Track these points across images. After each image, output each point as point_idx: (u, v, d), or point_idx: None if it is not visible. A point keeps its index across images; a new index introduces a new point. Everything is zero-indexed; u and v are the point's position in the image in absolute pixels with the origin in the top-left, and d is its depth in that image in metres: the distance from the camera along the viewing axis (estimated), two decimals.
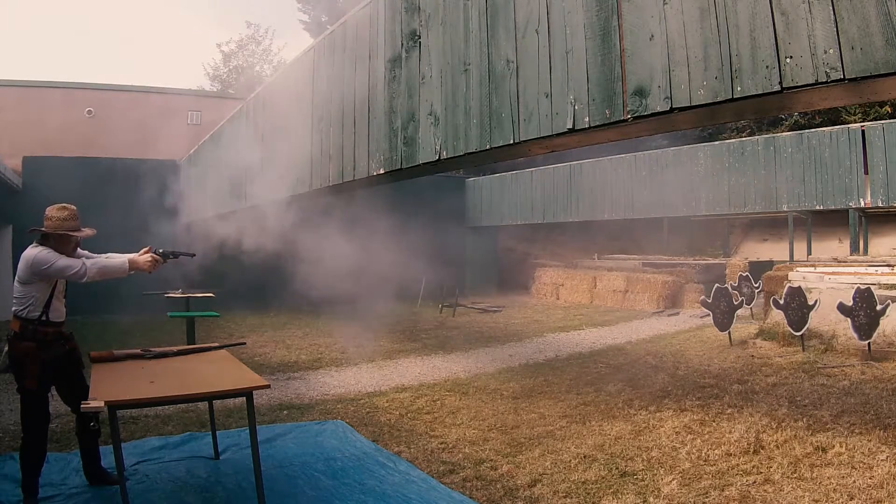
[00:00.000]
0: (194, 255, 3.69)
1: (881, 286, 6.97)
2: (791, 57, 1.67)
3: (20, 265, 2.92)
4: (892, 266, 8.47)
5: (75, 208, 3.07)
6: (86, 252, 3.26)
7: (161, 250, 3.32)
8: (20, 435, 2.94)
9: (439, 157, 3.07)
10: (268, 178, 5.82)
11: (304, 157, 4.85)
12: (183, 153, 10.99)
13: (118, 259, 3.16)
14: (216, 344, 3.82)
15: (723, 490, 3.14)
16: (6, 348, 2.93)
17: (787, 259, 14.58)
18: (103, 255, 3.30)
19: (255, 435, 2.73)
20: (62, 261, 2.89)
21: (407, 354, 7.43)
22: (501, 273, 15.88)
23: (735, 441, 3.85)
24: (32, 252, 2.89)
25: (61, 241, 2.99)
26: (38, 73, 33.81)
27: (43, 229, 2.97)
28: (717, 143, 10.31)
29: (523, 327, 9.83)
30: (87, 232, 3.09)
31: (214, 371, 3.06)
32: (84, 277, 2.92)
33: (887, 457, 3.49)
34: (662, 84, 1.97)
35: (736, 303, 7.70)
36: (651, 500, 3.07)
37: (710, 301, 7.85)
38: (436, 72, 3.07)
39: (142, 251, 3.27)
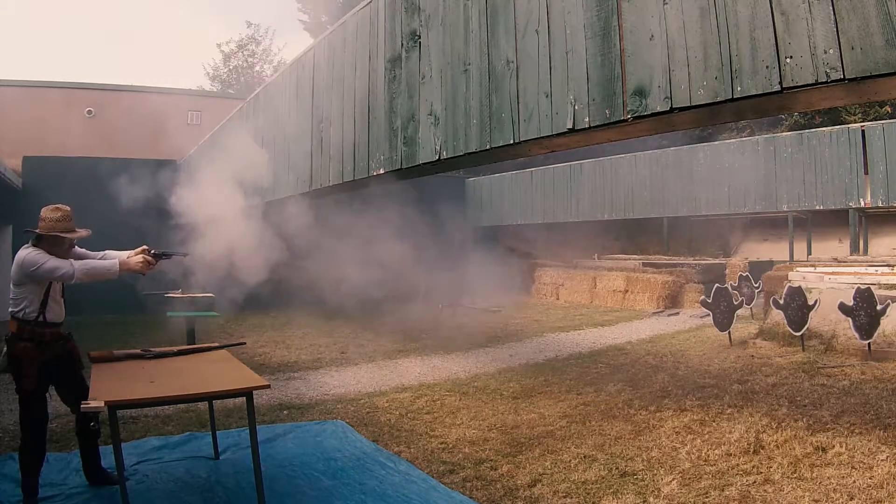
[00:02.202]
0: (187, 254, 3.65)
1: (881, 286, 6.98)
2: (791, 57, 1.67)
3: (13, 267, 2.92)
4: (892, 266, 8.47)
5: (69, 209, 3.04)
6: (82, 250, 3.25)
7: (153, 251, 3.28)
8: (20, 435, 2.94)
9: (439, 157, 3.07)
10: (268, 178, 5.83)
11: (304, 158, 4.85)
12: (183, 153, 11.00)
13: (108, 261, 3.12)
14: (216, 344, 3.82)
15: (723, 490, 3.14)
16: (5, 349, 2.93)
17: (787, 259, 14.58)
18: (99, 254, 3.30)
19: (255, 435, 2.72)
20: (50, 262, 2.86)
21: (407, 354, 7.43)
22: (501, 273, 15.88)
23: (735, 441, 3.85)
24: (23, 253, 2.89)
25: (54, 243, 2.97)
26: (38, 73, 33.86)
27: (36, 230, 2.96)
28: (717, 143, 10.31)
29: (523, 327, 9.83)
30: (81, 233, 3.06)
31: (214, 371, 3.06)
32: (72, 279, 2.89)
33: (887, 457, 3.49)
34: (662, 84, 1.97)
35: (736, 303, 7.69)
36: (651, 500, 3.07)
37: (710, 301, 7.85)
38: (436, 72, 3.07)
39: (137, 251, 3.25)
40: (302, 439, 4.04)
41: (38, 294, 2.92)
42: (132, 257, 3.18)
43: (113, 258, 3.24)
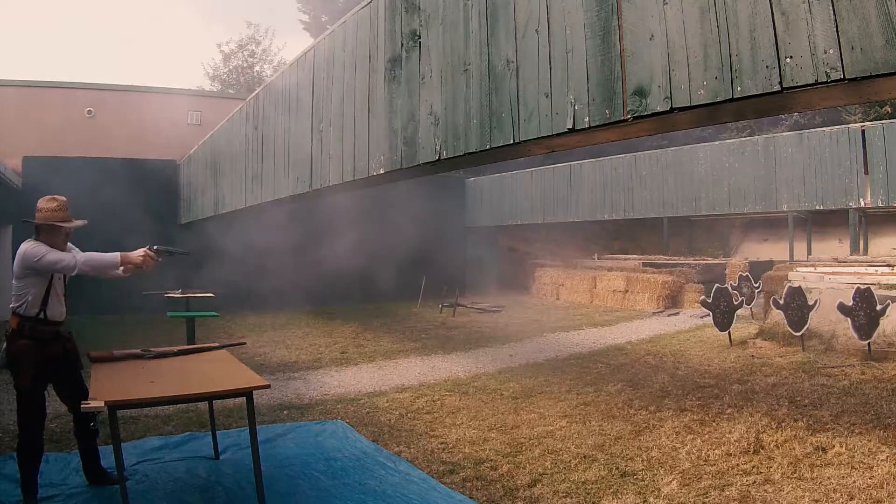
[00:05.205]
0: (189, 253, 3.60)
1: (881, 286, 6.98)
2: (791, 57, 1.67)
3: (15, 260, 2.94)
4: (892, 266, 8.47)
5: (65, 199, 3.06)
6: (82, 254, 3.23)
7: (156, 247, 3.22)
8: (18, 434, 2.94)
9: (439, 157, 3.06)
10: (268, 178, 5.83)
11: (304, 157, 4.85)
12: (183, 153, 11.00)
13: (110, 253, 3.06)
14: (216, 344, 3.82)
15: (723, 490, 3.14)
16: (5, 345, 2.94)
17: (787, 259, 14.60)
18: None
19: (255, 435, 2.73)
20: (52, 254, 2.88)
21: (407, 354, 7.43)
22: (501, 273, 15.89)
23: (735, 441, 3.85)
24: (25, 246, 2.91)
25: (51, 233, 2.99)
26: (38, 73, 33.80)
27: (33, 221, 2.99)
28: (717, 143, 10.30)
29: (523, 327, 9.83)
30: (78, 223, 3.08)
31: (214, 371, 3.06)
32: (74, 270, 2.88)
33: (887, 457, 3.49)
34: (662, 84, 1.97)
35: (736, 303, 7.70)
36: (651, 500, 3.07)
37: (710, 301, 7.85)
38: (436, 72, 3.07)
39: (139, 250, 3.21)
40: (302, 439, 4.04)
41: (40, 290, 2.93)
42: (134, 252, 3.13)
43: None
